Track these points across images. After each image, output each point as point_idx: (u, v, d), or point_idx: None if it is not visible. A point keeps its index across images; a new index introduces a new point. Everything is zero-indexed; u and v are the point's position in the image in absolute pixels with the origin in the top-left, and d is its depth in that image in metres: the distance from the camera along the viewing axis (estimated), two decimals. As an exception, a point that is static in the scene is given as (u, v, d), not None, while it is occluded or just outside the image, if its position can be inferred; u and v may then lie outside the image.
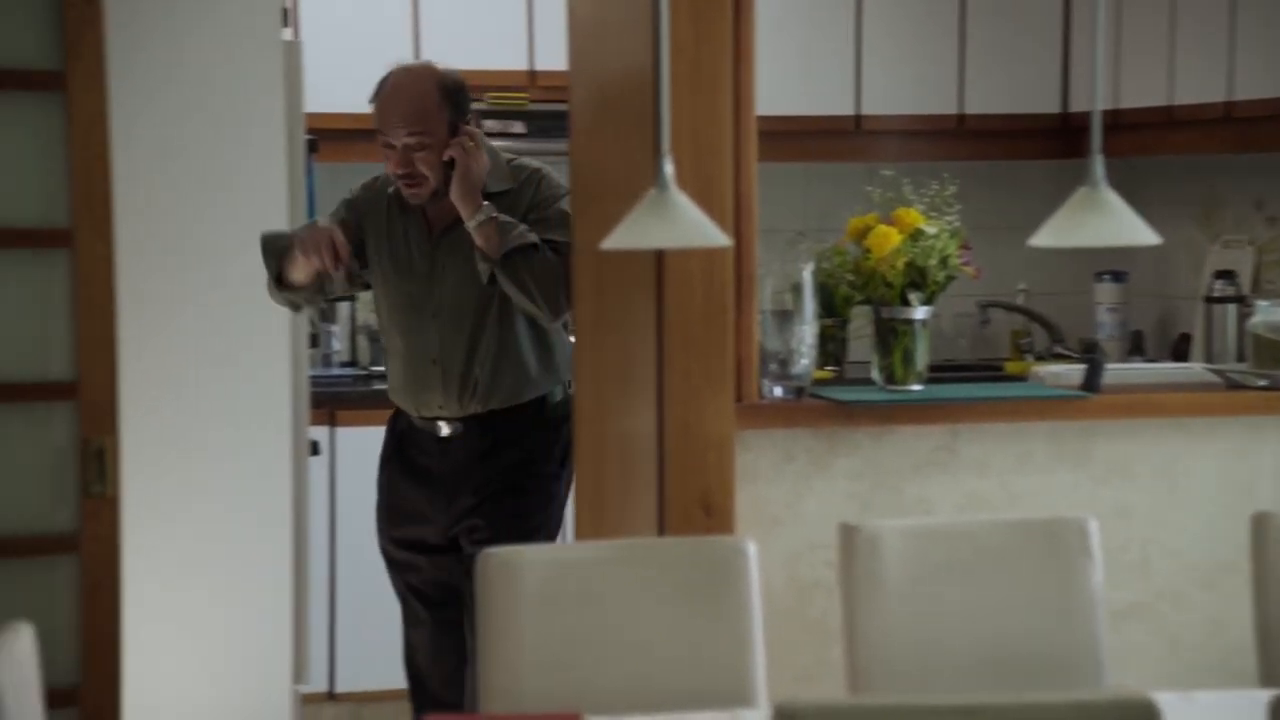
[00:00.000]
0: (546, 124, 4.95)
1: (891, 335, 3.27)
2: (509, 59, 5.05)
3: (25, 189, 2.84)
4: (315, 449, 4.17)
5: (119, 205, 2.87)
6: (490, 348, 3.60)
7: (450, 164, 3.50)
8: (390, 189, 3.66)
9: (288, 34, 4.31)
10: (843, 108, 5.10)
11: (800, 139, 4.99)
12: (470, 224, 3.47)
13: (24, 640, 1.94)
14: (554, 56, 4.68)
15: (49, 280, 2.86)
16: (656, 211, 2.36)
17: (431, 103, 3.51)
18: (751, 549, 2.64)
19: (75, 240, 2.83)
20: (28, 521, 2.87)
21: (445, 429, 3.66)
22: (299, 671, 3.84)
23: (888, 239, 3.21)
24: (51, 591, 2.89)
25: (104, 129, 2.82)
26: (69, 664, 2.87)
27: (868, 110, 5.12)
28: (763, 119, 3.17)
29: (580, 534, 3.99)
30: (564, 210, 3.56)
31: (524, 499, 3.69)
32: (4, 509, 2.86)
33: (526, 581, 2.54)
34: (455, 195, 3.49)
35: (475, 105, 5.05)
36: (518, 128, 5.01)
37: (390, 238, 3.66)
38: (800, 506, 3.22)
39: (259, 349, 3.70)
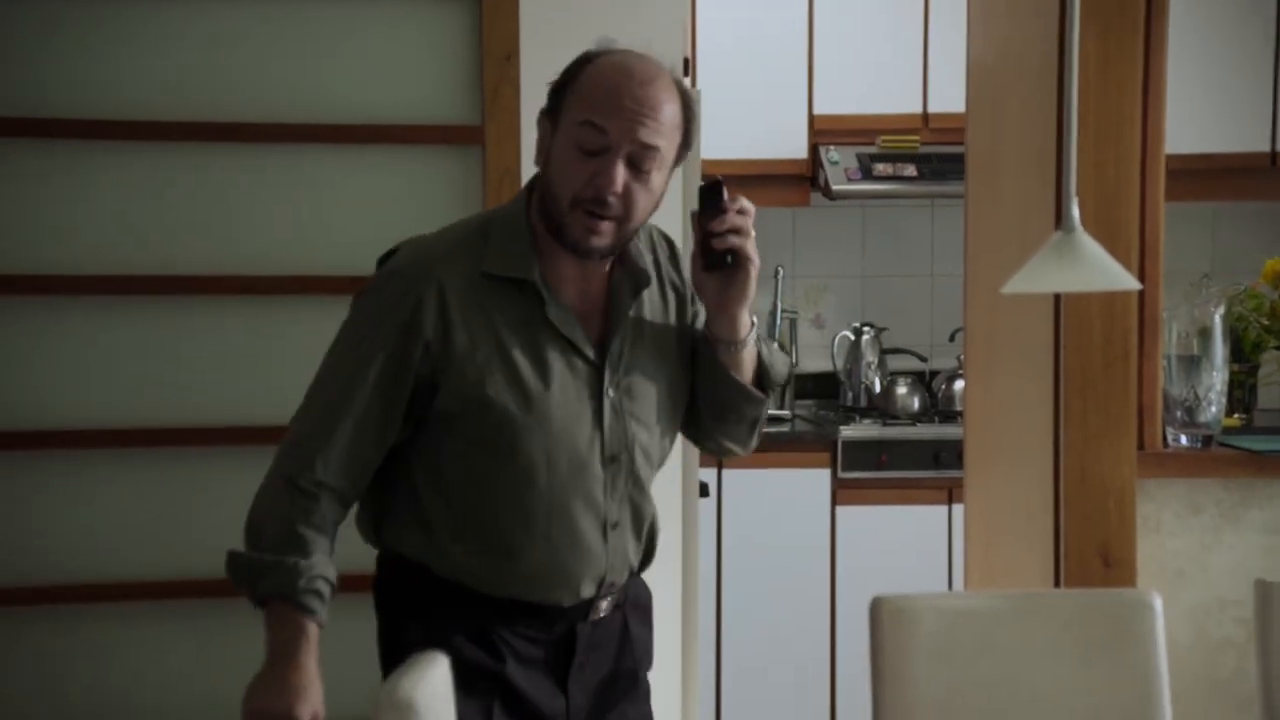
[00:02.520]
0: (940, 166, 4.91)
1: (1310, 383, 3.12)
2: (902, 102, 5.03)
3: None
4: (704, 490, 4.22)
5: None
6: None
7: (725, 257, 2.16)
8: (498, 271, 2.19)
9: (687, 83, 4.43)
10: (1258, 144, 4.86)
11: (1209, 177, 4.78)
12: (738, 341, 2.24)
13: (443, 669, 2.03)
14: (948, 98, 4.65)
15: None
16: (1061, 254, 2.33)
17: (676, 114, 2.21)
18: (1158, 603, 2.54)
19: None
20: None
21: (600, 609, 2.29)
22: (687, 713, 3.90)
23: (1308, 281, 3.07)
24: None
25: (516, 181, 2.95)
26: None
27: (1285, 146, 4.87)
28: (1169, 157, 3.07)
29: (970, 582, 3.93)
30: None
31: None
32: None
33: (919, 628, 2.52)
34: (729, 302, 2.21)
35: (867, 149, 5.13)
36: (909, 171, 4.98)
37: (504, 344, 2.16)
38: (1208, 560, 3.09)
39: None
